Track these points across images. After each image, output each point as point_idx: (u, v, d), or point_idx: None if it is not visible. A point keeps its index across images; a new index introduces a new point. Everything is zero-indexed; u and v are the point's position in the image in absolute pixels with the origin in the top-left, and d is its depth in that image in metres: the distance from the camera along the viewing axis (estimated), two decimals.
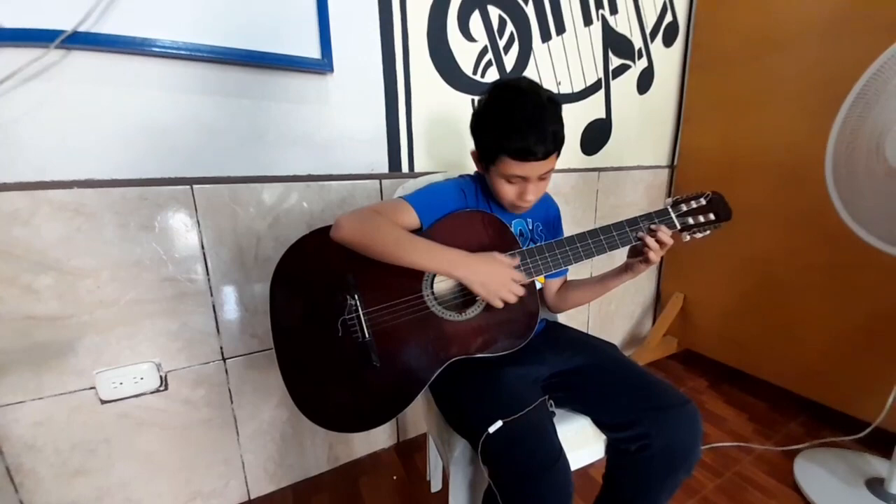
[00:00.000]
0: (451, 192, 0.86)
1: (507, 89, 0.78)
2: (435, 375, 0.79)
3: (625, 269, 0.85)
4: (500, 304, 0.75)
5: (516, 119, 0.73)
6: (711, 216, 0.79)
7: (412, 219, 0.80)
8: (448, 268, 0.73)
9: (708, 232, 0.80)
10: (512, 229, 0.84)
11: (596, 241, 0.80)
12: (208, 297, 1.03)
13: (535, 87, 0.77)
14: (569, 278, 1.01)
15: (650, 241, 0.76)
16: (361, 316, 0.78)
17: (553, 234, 0.96)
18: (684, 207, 0.79)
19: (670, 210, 0.80)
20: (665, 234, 0.76)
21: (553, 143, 0.75)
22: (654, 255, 0.77)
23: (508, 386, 0.75)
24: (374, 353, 0.78)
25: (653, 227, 0.77)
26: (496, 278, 0.74)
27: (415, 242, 0.74)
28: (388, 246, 0.74)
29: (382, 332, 0.78)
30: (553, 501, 0.64)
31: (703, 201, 0.79)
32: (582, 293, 0.95)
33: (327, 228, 0.79)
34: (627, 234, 0.79)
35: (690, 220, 0.79)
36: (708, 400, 1.63)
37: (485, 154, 0.81)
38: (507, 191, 0.81)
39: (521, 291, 0.76)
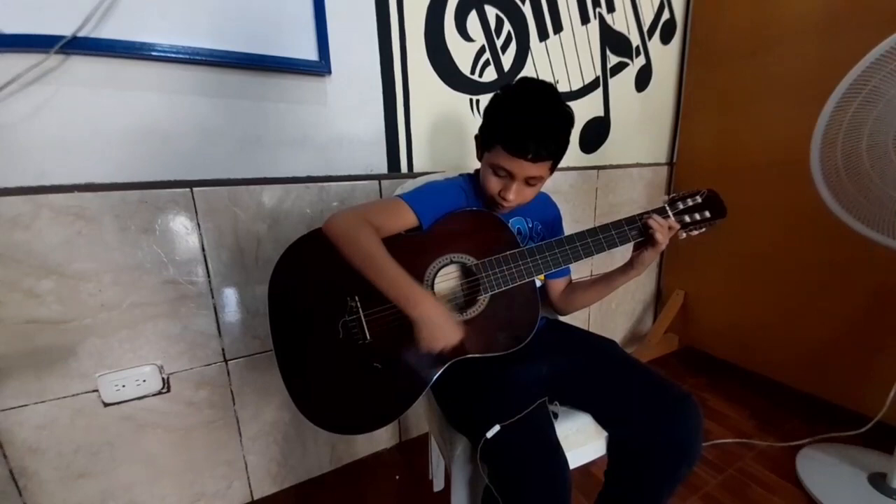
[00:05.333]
0: (450, 191, 0.86)
1: (534, 85, 0.77)
2: (436, 377, 0.79)
3: (631, 265, 0.84)
4: (428, 351, 0.72)
5: (525, 113, 0.74)
6: (707, 213, 0.80)
7: (409, 218, 0.80)
8: (404, 304, 0.70)
9: (704, 230, 0.81)
10: (511, 228, 0.84)
11: (595, 239, 0.80)
12: (209, 299, 1.04)
13: (557, 95, 0.77)
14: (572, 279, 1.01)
15: (656, 222, 0.77)
16: (362, 318, 0.77)
17: (554, 234, 0.96)
18: (681, 205, 0.80)
19: (668, 208, 0.80)
20: (672, 220, 0.79)
21: (548, 149, 0.75)
22: (662, 235, 0.77)
23: (508, 386, 0.75)
24: (376, 355, 0.78)
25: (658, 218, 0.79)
26: (442, 333, 0.71)
27: (384, 266, 0.71)
28: (359, 260, 0.72)
29: (384, 333, 0.78)
30: (550, 502, 0.64)
31: (698, 199, 0.80)
32: (588, 294, 0.93)
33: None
34: (626, 233, 0.80)
35: (687, 218, 0.80)
36: (709, 396, 1.63)
37: (484, 137, 0.81)
38: (492, 183, 0.80)
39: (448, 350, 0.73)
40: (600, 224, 0.80)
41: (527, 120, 0.73)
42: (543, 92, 0.76)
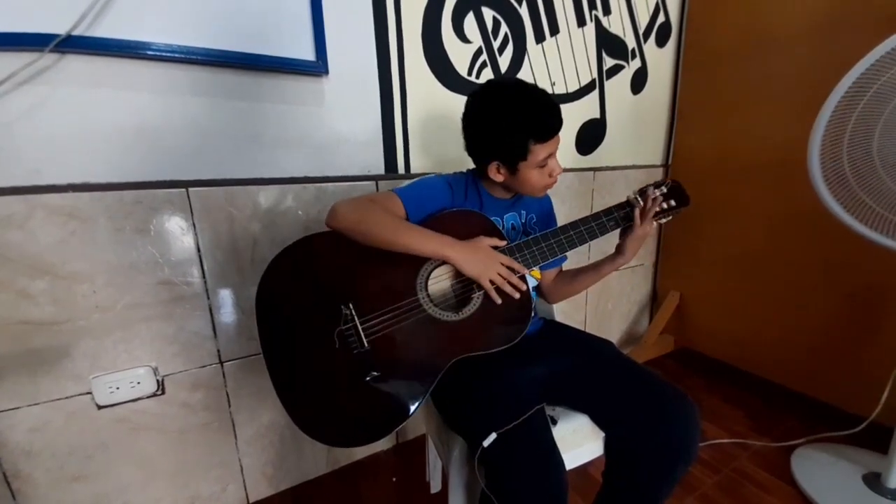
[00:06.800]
0: (438, 188, 0.87)
1: (500, 91, 0.80)
2: (437, 380, 0.78)
3: (617, 253, 0.89)
4: (491, 288, 0.77)
5: (534, 107, 0.77)
6: (672, 202, 0.86)
7: (399, 210, 0.81)
8: (440, 250, 0.76)
9: (670, 217, 0.88)
10: (505, 224, 0.84)
11: (577, 231, 0.84)
12: (205, 300, 1.03)
13: (513, 78, 0.82)
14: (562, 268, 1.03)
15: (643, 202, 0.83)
16: (358, 325, 0.76)
17: (548, 225, 0.98)
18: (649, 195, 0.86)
19: (638, 198, 0.85)
20: (654, 193, 0.84)
21: (560, 115, 0.80)
22: (643, 214, 0.83)
23: (505, 391, 0.75)
24: (374, 363, 0.76)
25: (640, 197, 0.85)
26: (483, 259, 0.77)
27: (409, 227, 0.78)
28: (383, 231, 0.75)
29: (381, 339, 0.77)
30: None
31: (664, 189, 0.86)
32: (577, 282, 0.97)
33: (313, 237, 0.79)
34: (604, 223, 0.85)
35: (655, 208, 0.85)
36: (705, 397, 1.63)
37: (512, 156, 0.80)
38: (539, 177, 0.83)
39: (509, 275, 0.78)
40: (581, 217, 0.85)
41: (540, 105, 0.77)
42: (521, 82, 0.81)
